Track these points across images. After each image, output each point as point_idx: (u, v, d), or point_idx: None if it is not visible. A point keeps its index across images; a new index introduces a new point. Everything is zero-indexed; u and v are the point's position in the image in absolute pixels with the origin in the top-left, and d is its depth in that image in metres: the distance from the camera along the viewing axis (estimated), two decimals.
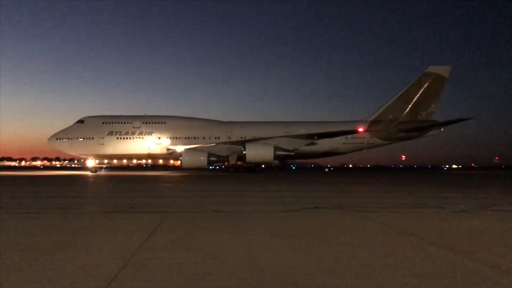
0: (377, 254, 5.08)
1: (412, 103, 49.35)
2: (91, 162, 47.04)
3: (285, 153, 43.88)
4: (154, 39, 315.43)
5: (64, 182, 24.22)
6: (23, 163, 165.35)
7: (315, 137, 45.55)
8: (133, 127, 46.16)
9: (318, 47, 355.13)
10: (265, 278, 4.04)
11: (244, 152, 42.91)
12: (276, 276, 4.08)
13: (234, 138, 45.76)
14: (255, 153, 43.02)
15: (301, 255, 5.00)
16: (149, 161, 59.29)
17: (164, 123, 47.22)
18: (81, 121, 46.36)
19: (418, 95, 49.25)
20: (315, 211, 9.48)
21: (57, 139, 45.68)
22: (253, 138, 45.48)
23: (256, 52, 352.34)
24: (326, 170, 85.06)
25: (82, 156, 48.80)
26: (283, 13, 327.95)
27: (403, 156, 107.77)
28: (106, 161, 54.02)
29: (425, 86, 49.10)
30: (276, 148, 43.12)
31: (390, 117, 48.09)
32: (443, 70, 49.72)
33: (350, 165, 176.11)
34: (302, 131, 46.42)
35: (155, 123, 47.06)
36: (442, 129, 50.19)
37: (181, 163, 43.16)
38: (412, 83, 49.98)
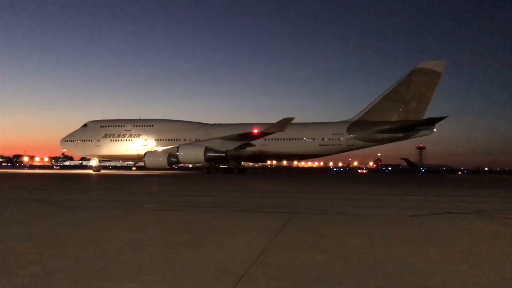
0: None
1: (400, 102, 45.29)
2: (94, 162, 52.01)
3: (216, 154, 44.28)
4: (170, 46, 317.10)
5: (187, 181, 25.81)
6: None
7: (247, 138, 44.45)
8: (125, 130, 49.83)
9: (309, 44, 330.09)
10: (395, 285, 3.86)
11: (176, 153, 43.83)
12: (407, 285, 3.88)
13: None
14: (187, 154, 44.11)
15: (435, 265, 4.66)
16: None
17: (152, 126, 49.99)
18: (85, 125, 51.35)
19: (407, 94, 45.04)
20: (448, 217, 8.83)
21: (65, 141, 51.28)
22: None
23: (261, 52, 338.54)
24: (459, 173, 79.35)
25: (84, 156, 54.41)
26: (271, 11, 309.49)
27: None
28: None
29: (416, 83, 44.73)
30: (207, 150, 43.72)
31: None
32: (437, 66, 45.00)
33: (486, 168, 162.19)
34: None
35: (144, 126, 50.04)
36: (434, 129, 45.35)
37: (144, 163, 45.54)
38: (401, 80, 45.75)
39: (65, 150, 54.23)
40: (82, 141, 50.44)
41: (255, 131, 43.32)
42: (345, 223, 7.77)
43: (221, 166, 49.00)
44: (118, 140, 49.73)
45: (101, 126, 50.70)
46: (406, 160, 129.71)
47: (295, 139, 47.19)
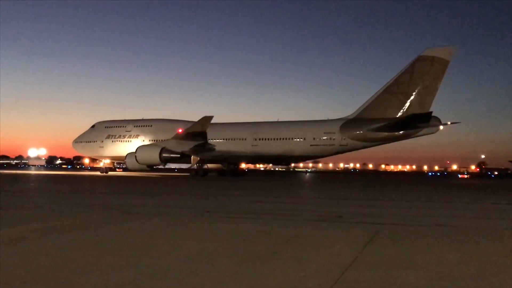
0: None
1: (401, 95, 43.13)
2: (102, 163, 56.40)
3: (172, 155, 46.98)
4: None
5: (248, 185, 25.94)
6: None
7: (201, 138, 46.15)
8: (125, 131, 53.37)
9: (305, 34, 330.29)
10: None
11: (135, 154, 46.88)
12: None
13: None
14: (143, 155, 46.99)
15: None
16: None
17: (150, 126, 52.98)
18: (93, 126, 55.53)
19: (410, 86, 42.66)
20: None
21: (75, 142, 56.23)
22: (223, 139, 49.07)
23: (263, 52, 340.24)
24: None
25: (92, 157, 59.32)
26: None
27: None
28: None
29: (419, 73, 42.34)
30: (163, 150, 46.44)
31: None
32: (444, 53, 42.19)
33: None
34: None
35: (143, 126, 53.08)
36: (441, 127, 42.80)
37: (125, 165, 49.63)
38: (403, 71, 43.30)
39: (76, 150, 59.99)
40: (88, 142, 55.12)
41: (180, 130, 46.85)
42: (443, 236, 7.44)
43: (212, 168, 52.28)
44: (119, 141, 53.56)
45: (105, 127, 54.98)
46: None
47: (284, 139, 48.13)
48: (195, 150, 47.41)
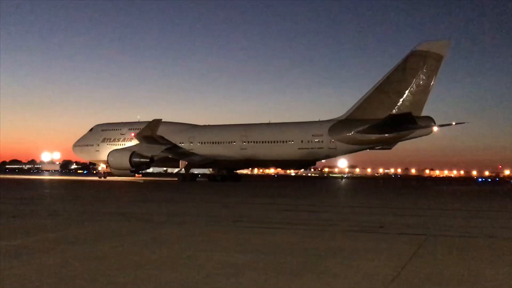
0: None
1: (393, 94, 42.14)
2: (99, 168, 57.02)
3: (141, 160, 47.98)
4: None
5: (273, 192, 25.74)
6: None
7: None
8: (120, 134, 53.97)
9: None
10: None
11: (108, 159, 47.89)
12: None
13: (195, 143, 49.26)
14: (115, 160, 48.00)
15: None
16: None
17: None
18: (91, 129, 56.41)
19: (403, 83, 41.67)
20: None
21: (75, 146, 57.07)
22: (213, 142, 49.51)
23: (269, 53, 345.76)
24: None
25: (90, 161, 60.83)
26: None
27: None
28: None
29: (412, 70, 41.45)
30: (134, 155, 47.08)
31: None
32: (439, 47, 41.42)
33: None
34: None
35: (138, 129, 51.80)
36: (435, 128, 41.42)
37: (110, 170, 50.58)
38: (395, 68, 42.26)
39: (75, 154, 60.91)
40: (86, 146, 56.12)
41: (132, 134, 48.16)
42: (496, 249, 7.19)
43: (201, 173, 53.84)
44: (114, 145, 53.94)
45: (102, 130, 55.91)
46: None
47: (273, 142, 47.77)
48: (177, 154, 47.89)
